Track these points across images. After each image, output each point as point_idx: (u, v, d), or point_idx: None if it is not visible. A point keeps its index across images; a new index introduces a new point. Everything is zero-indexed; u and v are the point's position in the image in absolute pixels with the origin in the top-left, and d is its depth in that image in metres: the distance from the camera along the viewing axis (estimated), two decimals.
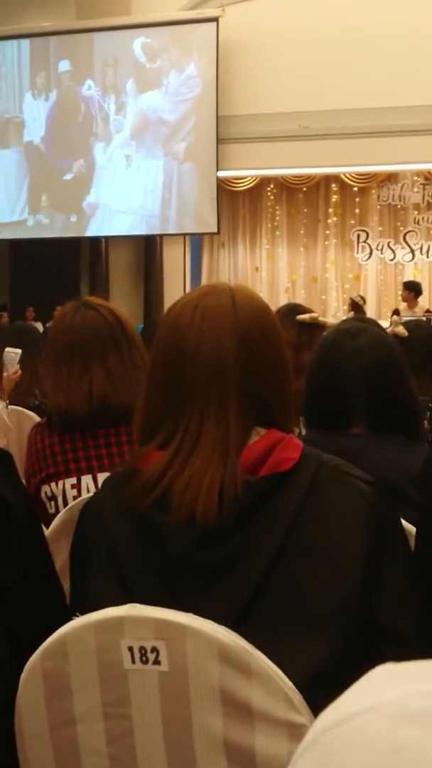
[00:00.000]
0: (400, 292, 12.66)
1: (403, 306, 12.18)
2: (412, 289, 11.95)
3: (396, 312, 11.15)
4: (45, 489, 2.47)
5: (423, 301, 12.19)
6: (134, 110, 13.53)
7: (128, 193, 13.56)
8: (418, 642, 1.32)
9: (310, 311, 3.74)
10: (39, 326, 10.69)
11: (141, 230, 13.74)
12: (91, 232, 13.98)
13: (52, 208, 14.03)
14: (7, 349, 3.86)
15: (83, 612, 1.34)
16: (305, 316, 3.59)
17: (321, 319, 3.57)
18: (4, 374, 3.78)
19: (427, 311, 11.61)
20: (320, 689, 1.21)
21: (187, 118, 13.19)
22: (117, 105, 13.63)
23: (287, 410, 1.49)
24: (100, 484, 2.37)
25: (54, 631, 1.32)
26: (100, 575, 1.44)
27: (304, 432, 2.34)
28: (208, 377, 1.40)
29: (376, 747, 0.50)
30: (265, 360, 1.44)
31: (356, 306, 11.53)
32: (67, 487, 2.43)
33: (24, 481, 2.58)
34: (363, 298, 12.14)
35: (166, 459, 1.40)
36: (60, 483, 2.44)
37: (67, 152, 13.88)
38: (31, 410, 4.09)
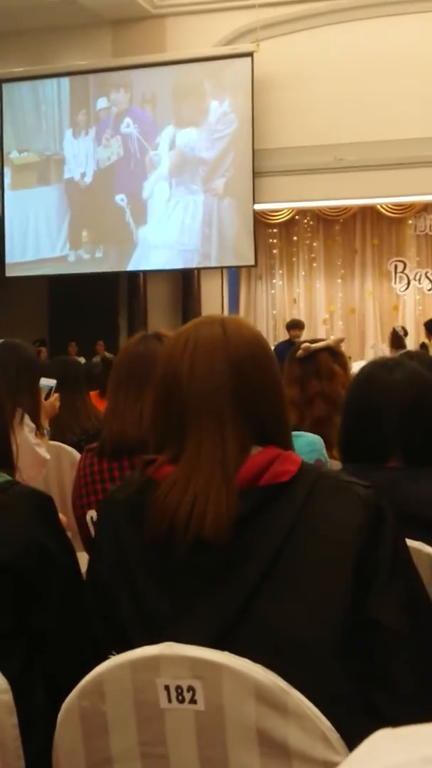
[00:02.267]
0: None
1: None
2: None
3: (423, 346, 11.06)
4: (91, 513, 2.51)
5: None
6: (172, 147, 13.65)
7: (167, 229, 13.65)
8: (403, 635, 1.35)
9: (319, 341, 3.74)
10: (81, 361, 10.79)
11: (179, 264, 13.82)
12: (131, 267, 14.09)
13: (92, 243, 14.16)
14: (42, 380, 3.89)
15: (98, 603, 1.48)
16: (300, 352, 3.60)
17: (313, 346, 3.57)
18: (42, 402, 3.81)
19: None
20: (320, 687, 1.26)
21: (225, 154, 13.29)
22: (155, 141, 13.77)
23: (284, 429, 1.56)
24: None
25: None
26: (111, 570, 1.51)
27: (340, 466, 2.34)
28: (202, 403, 1.48)
29: None
30: (258, 383, 1.51)
31: (397, 337, 11.43)
32: None
33: (70, 506, 2.62)
34: (405, 330, 12.05)
35: (179, 483, 1.45)
36: None
37: (107, 188, 14.03)
38: (70, 446, 4.11)
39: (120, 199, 13.91)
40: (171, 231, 13.62)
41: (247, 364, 1.50)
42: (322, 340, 3.75)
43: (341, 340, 3.94)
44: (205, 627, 1.35)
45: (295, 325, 12.22)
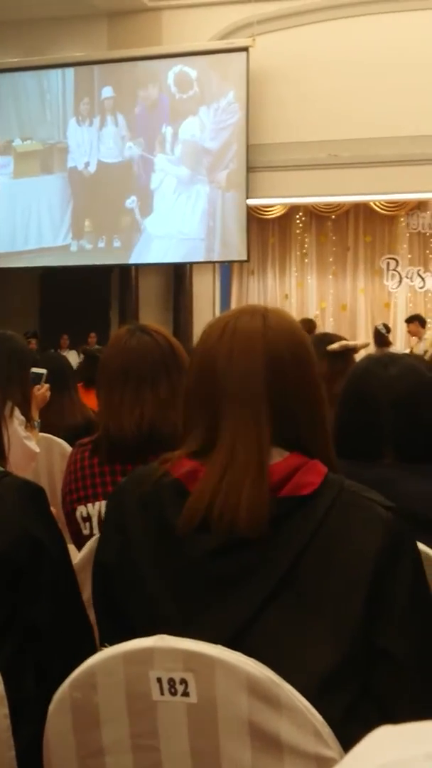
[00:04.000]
0: (407, 329, 12.76)
1: (414, 341, 12.21)
2: (417, 319, 12.20)
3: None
4: (80, 509, 2.47)
5: None
6: (177, 138, 13.62)
7: (171, 221, 13.63)
8: (412, 669, 1.32)
9: (341, 339, 3.74)
10: (73, 354, 10.76)
11: (178, 255, 13.78)
12: (133, 256, 14.03)
13: (95, 233, 14.10)
14: (33, 369, 3.88)
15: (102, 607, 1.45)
16: (335, 346, 3.59)
17: (351, 343, 3.58)
18: (34, 393, 3.79)
19: None
20: (325, 700, 1.25)
21: (228, 145, 13.27)
22: (161, 132, 13.72)
23: (318, 432, 1.49)
24: None
25: None
26: (118, 563, 1.48)
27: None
28: (239, 390, 1.43)
29: None
30: (293, 380, 1.45)
31: (380, 335, 11.42)
32: (103, 508, 2.41)
33: (60, 499, 2.59)
34: (386, 326, 12.04)
35: (212, 479, 1.40)
36: (96, 504, 2.44)
37: (115, 182, 13.97)
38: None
39: (131, 201, 13.83)
40: (175, 223, 13.59)
41: (285, 359, 1.45)
42: (342, 337, 3.75)
43: (366, 345, 3.94)
44: (213, 633, 1.31)
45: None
